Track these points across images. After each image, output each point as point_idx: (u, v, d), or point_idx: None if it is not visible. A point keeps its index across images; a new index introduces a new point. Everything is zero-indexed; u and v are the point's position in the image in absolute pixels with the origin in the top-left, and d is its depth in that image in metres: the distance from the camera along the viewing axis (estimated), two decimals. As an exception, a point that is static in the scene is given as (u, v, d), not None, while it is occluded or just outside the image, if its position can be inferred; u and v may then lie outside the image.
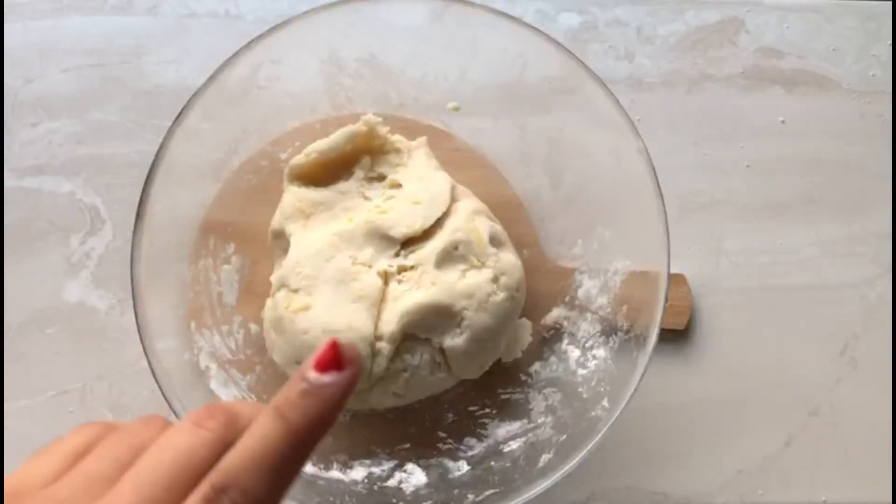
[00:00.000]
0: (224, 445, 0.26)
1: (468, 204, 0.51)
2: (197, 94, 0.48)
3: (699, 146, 0.62)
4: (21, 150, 0.59)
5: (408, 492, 0.50)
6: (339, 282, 0.48)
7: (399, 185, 0.51)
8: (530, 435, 0.52)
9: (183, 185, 0.50)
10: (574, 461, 0.46)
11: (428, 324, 0.48)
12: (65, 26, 0.61)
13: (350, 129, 0.51)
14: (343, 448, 0.51)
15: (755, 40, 0.63)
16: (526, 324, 0.53)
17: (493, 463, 0.51)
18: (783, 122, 0.62)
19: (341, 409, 0.27)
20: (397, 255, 0.49)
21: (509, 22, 0.49)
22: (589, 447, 0.46)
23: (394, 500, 0.50)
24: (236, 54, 0.48)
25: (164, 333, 0.48)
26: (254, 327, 0.53)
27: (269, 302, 0.50)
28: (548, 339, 0.54)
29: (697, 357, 0.59)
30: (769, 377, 0.59)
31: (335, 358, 0.27)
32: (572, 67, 0.49)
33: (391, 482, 0.51)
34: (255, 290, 0.53)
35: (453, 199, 0.51)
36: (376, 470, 0.51)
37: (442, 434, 0.53)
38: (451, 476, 0.51)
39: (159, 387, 0.46)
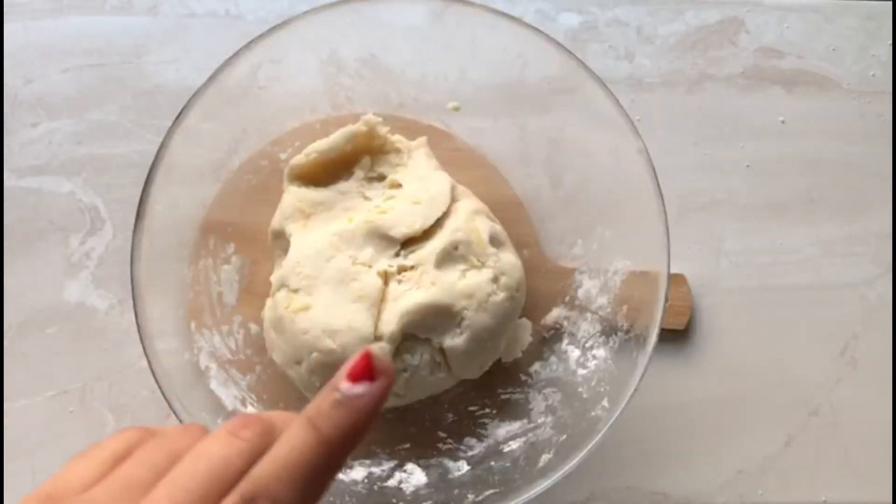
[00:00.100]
0: (259, 455, 0.26)
1: (468, 204, 0.51)
2: (197, 94, 0.48)
3: (699, 146, 0.62)
4: (21, 150, 0.59)
5: (408, 492, 0.50)
6: (339, 282, 0.48)
7: (399, 185, 0.51)
8: (530, 435, 0.52)
9: (183, 185, 0.50)
10: (574, 461, 0.46)
11: (428, 324, 0.48)
12: (65, 26, 0.61)
13: (350, 129, 0.51)
14: (343, 448, 0.51)
15: (755, 40, 0.63)
16: (526, 324, 0.53)
17: (493, 463, 0.51)
18: (783, 122, 0.62)
19: (374, 419, 0.27)
20: (397, 255, 0.49)
21: (509, 22, 0.49)
22: (589, 447, 0.46)
23: (394, 500, 0.50)
24: (236, 54, 0.48)
25: (164, 333, 0.48)
26: (254, 327, 0.53)
27: (269, 302, 0.50)
28: (548, 339, 0.54)
29: (697, 357, 0.59)
30: (769, 377, 0.59)
31: (368, 368, 0.27)
32: (572, 67, 0.49)
33: (391, 482, 0.51)
34: (255, 290, 0.53)
35: (453, 199, 0.51)
36: (376, 470, 0.51)
37: (442, 434, 0.53)
38: (451, 476, 0.51)
39: (159, 387, 0.46)
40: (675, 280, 0.58)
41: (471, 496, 0.48)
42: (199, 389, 0.50)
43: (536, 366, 0.54)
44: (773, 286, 0.60)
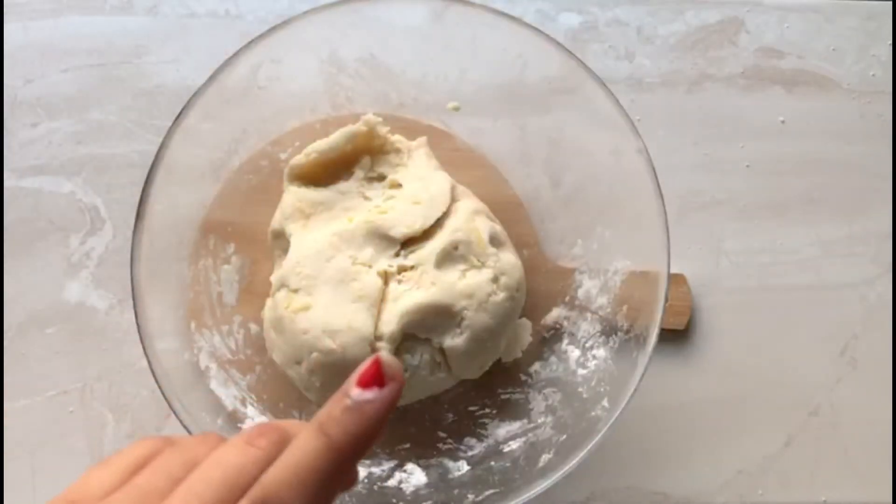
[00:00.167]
0: (273, 463, 0.27)
1: (468, 204, 0.51)
2: (197, 94, 0.48)
3: (699, 146, 0.62)
4: (21, 150, 0.59)
5: (408, 492, 0.50)
6: (339, 282, 0.48)
7: (399, 185, 0.51)
8: (530, 435, 0.52)
9: (183, 185, 0.50)
10: (574, 461, 0.46)
11: (428, 324, 0.48)
12: (65, 26, 0.61)
13: (350, 129, 0.51)
14: (343, 448, 0.51)
15: (755, 40, 0.63)
16: (526, 324, 0.53)
17: (493, 463, 0.51)
18: (783, 122, 0.62)
19: (383, 425, 0.27)
20: (397, 255, 0.49)
21: (509, 22, 0.49)
22: (589, 447, 0.46)
23: (394, 500, 0.50)
24: (236, 54, 0.48)
25: (164, 333, 0.48)
26: (254, 327, 0.53)
27: (269, 302, 0.50)
28: (548, 339, 0.54)
29: (697, 357, 0.59)
30: (769, 377, 0.59)
31: (377, 374, 0.27)
32: (572, 67, 0.49)
33: (391, 482, 0.51)
34: (255, 290, 0.53)
35: (453, 199, 0.51)
36: (376, 470, 0.51)
37: (442, 434, 0.53)
38: (451, 476, 0.51)
39: (159, 387, 0.46)
40: (675, 280, 0.58)
41: (471, 496, 0.48)
42: (199, 389, 0.50)
43: (536, 366, 0.54)
44: (773, 286, 0.60)
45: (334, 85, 0.54)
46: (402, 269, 0.48)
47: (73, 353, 0.57)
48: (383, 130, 0.51)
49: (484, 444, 0.52)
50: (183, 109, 0.48)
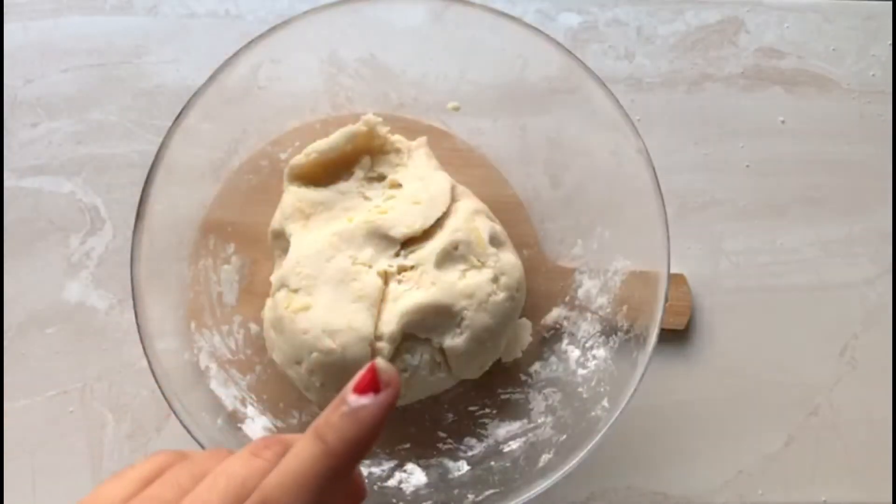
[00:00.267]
0: None
1: (468, 204, 0.51)
2: (197, 94, 0.48)
3: (699, 146, 0.62)
4: (21, 150, 0.59)
5: (408, 492, 0.50)
6: (339, 282, 0.48)
7: (399, 185, 0.51)
8: (530, 435, 0.52)
9: (183, 185, 0.50)
10: (574, 461, 0.46)
11: (428, 324, 0.48)
12: (65, 26, 0.61)
13: (350, 129, 0.51)
14: (343, 448, 0.51)
15: (755, 40, 0.63)
16: (526, 324, 0.53)
17: (493, 463, 0.51)
18: (783, 122, 0.62)
19: (379, 430, 0.28)
20: (397, 255, 0.49)
21: (509, 22, 0.49)
22: (589, 447, 0.46)
23: (394, 500, 0.50)
24: (236, 54, 0.48)
25: (164, 333, 0.48)
26: (254, 327, 0.53)
27: (269, 302, 0.50)
28: (548, 339, 0.54)
29: (697, 357, 0.59)
30: (769, 377, 0.59)
31: (373, 381, 0.28)
32: (572, 67, 0.49)
33: (391, 482, 0.51)
34: (255, 290, 0.54)
35: (453, 199, 0.51)
36: (376, 470, 0.51)
37: (442, 434, 0.53)
38: (451, 476, 0.51)
39: (159, 387, 0.46)
40: (675, 280, 0.58)
41: (471, 496, 0.48)
42: (199, 389, 0.50)
43: (536, 366, 0.54)
44: (773, 286, 0.60)
45: (334, 85, 0.54)
46: (402, 269, 0.48)
47: (73, 353, 0.57)
48: (383, 130, 0.51)
49: (484, 444, 0.52)
50: (183, 109, 0.48)
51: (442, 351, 0.48)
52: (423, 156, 0.52)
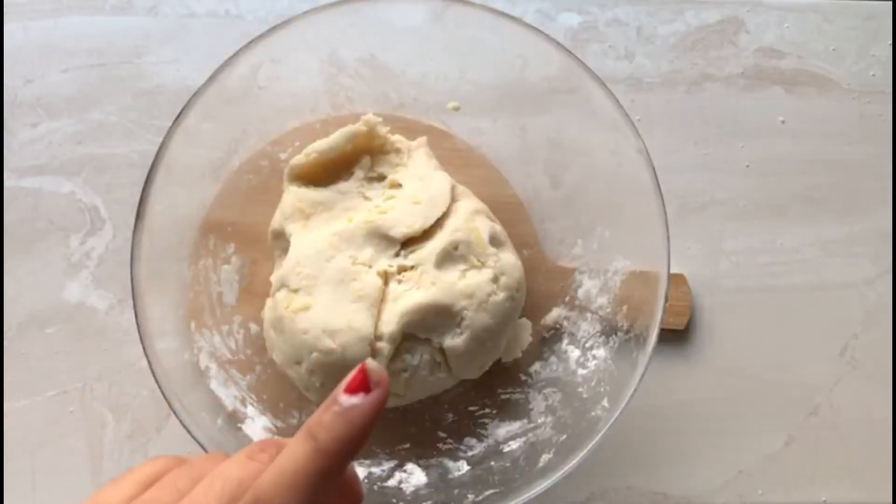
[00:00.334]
0: None
1: (468, 204, 0.51)
2: (197, 94, 0.48)
3: (699, 146, 0.62)
4: (21, 150, 0.59)
5: (408, 492, 0.50)
6: (339, 282, 0.48)
7: (399, 185, 0.51)
8: (530, 435, 0.52)
9: (183, 185, 0.50)
10: (574, 461, 0.46)
11: (428, 324, 0.48)
12: (65, 26, 0.61)
13: (350, 129, 0.51)
14: (343, 448, 0.51)
15: (755, 40, 0.63)
16: (526, 324, 0.53)
17: (493, 463, 0.51)
18: (783, 122, 0.62)
19: (369, 429, 0.29)
20: (397, 255, 0.49)
21: (509, 22, 0.49)
22: (589, 447, 0.46)
23: (394, 500, 0.50)
24: (236, 54, 0.48)
25: (164, 333, 0.48)
26: (254, 327, 0.53)
27: (269, 302, 0.50)
28: (548, 339, 0.54)
29: (697, 357, 0.59)
30: (769, 377, 0.59)
31: (363, 381, 0.29)
32: (572, 67, 0.49)
33: (391, 482, 0.51)
34: (255, 290, 0.54)
35: (453, 199, 0.51)
36: (376, 470, 0.51)
37: (442, 434, 0.53)
38: (451, 476, 0.51)
39: (159, 387, 0.46)
40: (675, 280, 0.58)
41: (471, 496, 0.48)
42: (199, 389, 0.50)
43: (536, 366, 0.54)
44: (773, 286, 0.60)
45: (334, 85, 0.54)
46: (402, 269, 0.48)
47: (73, 353, 0.57)
48: (383, 130, 0.51)
49: (484, 444, 0.52)
50: (183, 109, 0.48)
51: (442, 351, 0.48)
52: (423, 156, 0.52)
